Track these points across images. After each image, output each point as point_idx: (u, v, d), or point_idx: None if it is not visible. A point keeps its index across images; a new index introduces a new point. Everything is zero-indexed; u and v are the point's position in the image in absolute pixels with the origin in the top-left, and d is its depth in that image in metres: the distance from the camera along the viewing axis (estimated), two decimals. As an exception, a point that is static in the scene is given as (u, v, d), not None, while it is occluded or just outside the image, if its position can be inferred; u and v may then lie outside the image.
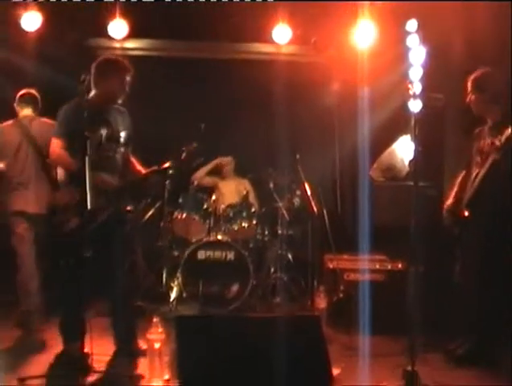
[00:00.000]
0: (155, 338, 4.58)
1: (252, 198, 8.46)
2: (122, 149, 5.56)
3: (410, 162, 6.45)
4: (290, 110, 8.57)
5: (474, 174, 5.62)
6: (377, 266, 6.93)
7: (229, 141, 8.80)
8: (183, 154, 7.44)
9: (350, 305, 6.57)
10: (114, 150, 5.47)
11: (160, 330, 4.60)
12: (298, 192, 7.96)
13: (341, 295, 6.76)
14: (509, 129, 5.16)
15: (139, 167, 5.72)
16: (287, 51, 8.79)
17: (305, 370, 3.89)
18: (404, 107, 6.35)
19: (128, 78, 5.47)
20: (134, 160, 5.76)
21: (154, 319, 4.82)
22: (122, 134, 5.52)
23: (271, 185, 8.14)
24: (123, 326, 5.55)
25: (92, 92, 5.42)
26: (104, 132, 5.36)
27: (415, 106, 7.87)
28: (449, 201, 5.89)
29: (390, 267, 6.91)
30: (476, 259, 5.59)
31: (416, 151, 5.16)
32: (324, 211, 7.55)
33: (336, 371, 4.82)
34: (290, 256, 8.14)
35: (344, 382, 4.89)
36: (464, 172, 5.92)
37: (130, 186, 5.58)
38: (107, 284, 5.52)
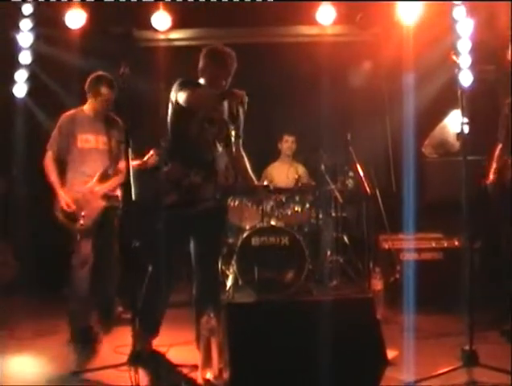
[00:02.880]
0: (208, 327, 4.56)
1: (305, 181, 8.39)
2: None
3: (458, 135, 6.33)
4: (338, 91, 8.51)
5: None
6: (434, 244, 6.84)
7: (280, 121, 8.74)
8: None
9: (407, 285, 6.48)
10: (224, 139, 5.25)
11: (213, 319, 4.57)
12: (350, 173, 7.89)
13: (398, 276, 6.67)
14: None
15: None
16: (332, 31, 8.71)
17: (359, 353, 3.84)
18: (454, 80, 6.22)
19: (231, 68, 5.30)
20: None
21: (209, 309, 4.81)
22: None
23: (323, 167, 8.04)
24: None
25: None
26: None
27: (466, 79, 7.81)
28: (491, 176, 5.72)
29: (446, 244, 6.81)
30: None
31: (463, 125, 4.97)
32: (377, 192, 7.46)
33: (392, 354, 4.77)
34: (345, 238, 8.10)
35: (403, 363, 4.81)
36: (500, 145, 5.76)
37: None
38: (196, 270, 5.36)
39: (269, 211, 7.67)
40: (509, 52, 5.79)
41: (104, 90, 5.92)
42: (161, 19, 8.39)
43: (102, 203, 5.94)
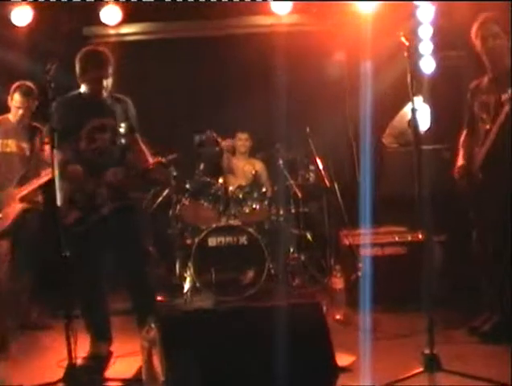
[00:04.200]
0: (148, 338, 4.23)
1: (263, 177, 8.10)
2: (123, 140, 5.20)
3: (409, 122, 6.07)
4: (296, 82, 8.18)
5: (483, 132, 5.12)
6: (397, 238, 6.52)
7: (233, 118, 8.43)
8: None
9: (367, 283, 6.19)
10: (111, 141, 5.15)
11: (154, 330, 4.23)
12: (312, 167, 7.60)
13: (360, 273, 6.35)
14: None
15: (148, 158, 5.35)
16: (289, 21, 8.40)
17: (305, 362, 3.51)
18: (415, 67, 5.95)
19: (110, 68, 5.15)
20: (144, 150, 5.38)
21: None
22: (122, 124, 5.19)
23: (281, 162, 7.73)
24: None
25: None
26: (94, 123, 5.09)
27: (427, 66, 7.55)
28: (459, 163, 5.39)
29: (410, 238, 6.48)
30: (494, 226, 5.14)
31: (414, 112, 4.69)
32: (336, 185, 7.18)
33: (348, 360, 4.49)
34: (308, 234, 7.79)
35: (363, 367, 4.51)
36: (465, 131, 5.46)
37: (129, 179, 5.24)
38: (124, 280, 5.34)
39: (225, 209, 7.34)
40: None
41: (16, 98, 6.09)
42: (110, 14, 8.05)
43: (20, 206, 5.97)
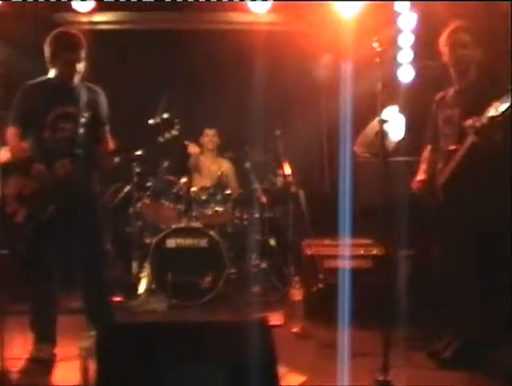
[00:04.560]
0: (85, 346, 3.97)
1: (230, 178, 7.83)
2: (82, 130, 4.90)
3: (376, 134, 5.83)
4: (271, 82, 7.91)
5: (447, 150, 4.86)
6: (362, 252, 6.27)
7: (204, 114, 8.16)
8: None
9: (331, 296, 5.94)
10: (74, 132, 4.89)
11: (92, 338, 3.96)
12: (280, 171, 7.33)
13: (321, 285, 6.09)
14: (490, 111, 4.39)
15: (110, 149, 5.12)
16: (266, 19, 8.13)
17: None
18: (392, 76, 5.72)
19: (83, 52, 4.92)
20: (108, 141, 5.14)
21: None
22: (86, 114, 4.92)
23: (248, 164, 7.45)
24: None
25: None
26: (58, 111, 4.86)
27: (406, 75, 7.33)
28: (420, 178, 5.13)
29: (375, 252, 6.22)
30: (455, 246, 4.88)
31: (381, 123, 4.46)
32: (301, 192, 6.93)
33: (299, 380, 4.24)
34: (271, 241, 7.50)
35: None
36: (429, 146, 5.21)
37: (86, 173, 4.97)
38: (77, 278, 5.13)
39: (187, 210, 7.07)
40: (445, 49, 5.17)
41: None
42: (82, 1, 7.72)
43: None
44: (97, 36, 7.89)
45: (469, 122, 4.58)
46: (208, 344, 3.21)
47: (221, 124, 8.07)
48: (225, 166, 7.93)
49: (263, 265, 7.19)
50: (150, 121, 5.71)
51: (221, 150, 8.14)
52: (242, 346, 3.13)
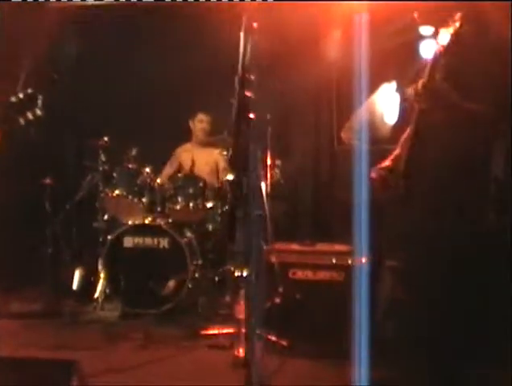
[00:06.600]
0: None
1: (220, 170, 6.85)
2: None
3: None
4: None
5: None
6: (334, 260, 5.21)
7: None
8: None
9: (292, 313, 5.01)
10: None
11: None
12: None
13: (278, 300, 5.08)
14: None
15: None
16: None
17: None
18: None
19: None
20: None
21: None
22: None
23: (225, 153, 6.44)
24: None
25: None
26: None
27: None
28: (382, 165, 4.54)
29: (350, 262, 5.16)
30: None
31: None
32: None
33: None
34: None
35: None
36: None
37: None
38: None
39: (151, 204, 6.24)
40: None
41: None
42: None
43: None
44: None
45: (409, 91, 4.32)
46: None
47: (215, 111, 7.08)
48: (216, 156, 6.91)
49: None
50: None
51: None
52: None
